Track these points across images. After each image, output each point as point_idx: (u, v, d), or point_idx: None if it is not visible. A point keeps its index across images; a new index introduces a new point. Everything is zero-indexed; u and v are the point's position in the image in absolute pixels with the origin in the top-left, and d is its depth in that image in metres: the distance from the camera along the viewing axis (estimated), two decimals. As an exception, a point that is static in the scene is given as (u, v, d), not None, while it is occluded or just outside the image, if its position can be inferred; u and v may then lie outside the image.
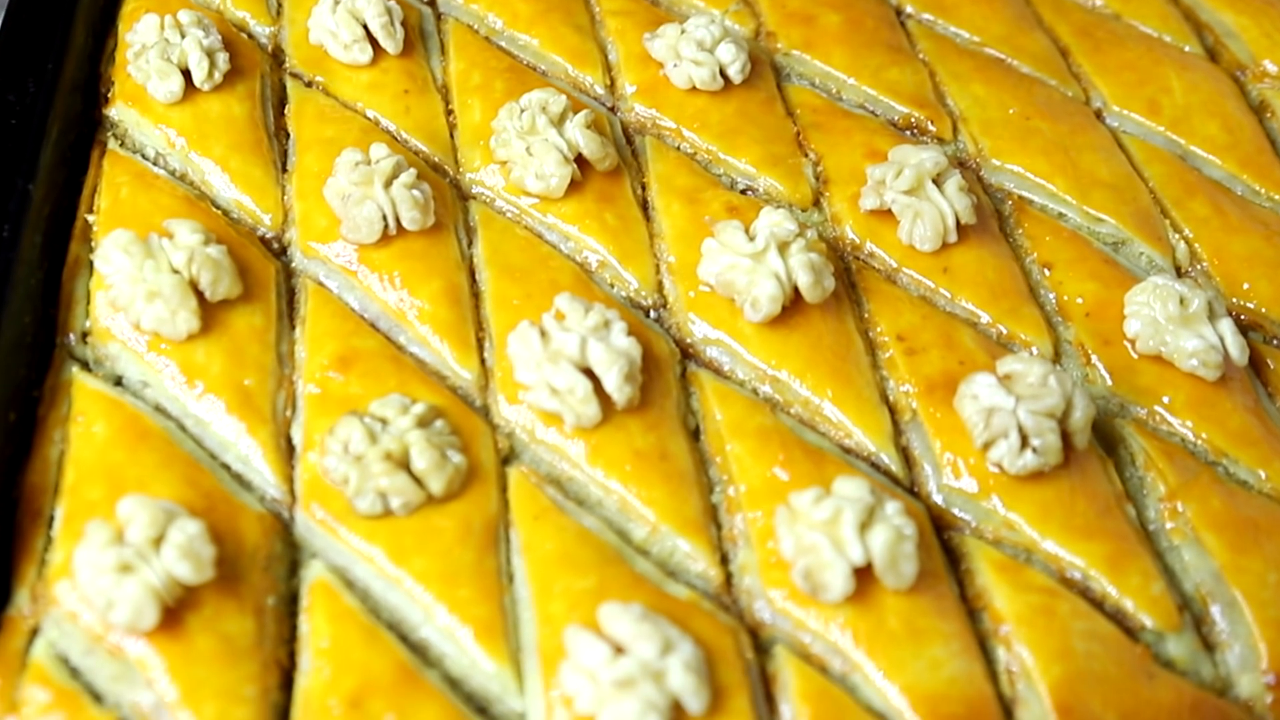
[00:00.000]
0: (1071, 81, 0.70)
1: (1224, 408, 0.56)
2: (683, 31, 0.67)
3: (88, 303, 0.57)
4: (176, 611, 0.46)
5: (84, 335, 0.56)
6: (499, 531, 0.51)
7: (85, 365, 0.55)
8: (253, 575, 0.48)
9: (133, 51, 0.64)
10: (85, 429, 0.52)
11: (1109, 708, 0.47)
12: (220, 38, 0.65)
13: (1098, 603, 0.50)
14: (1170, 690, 0.48)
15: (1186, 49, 0.72)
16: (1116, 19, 0.73)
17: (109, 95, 0.65)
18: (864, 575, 0.48)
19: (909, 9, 0.73)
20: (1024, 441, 0.52)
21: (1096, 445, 0.54)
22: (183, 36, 0.64)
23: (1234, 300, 0.61)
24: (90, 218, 0.59)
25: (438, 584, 0.48)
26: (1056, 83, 0.69)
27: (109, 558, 0.46)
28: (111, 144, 0.63)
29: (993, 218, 0.63)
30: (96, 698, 0.45)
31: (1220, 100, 0.69)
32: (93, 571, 0.46)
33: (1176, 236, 0.63)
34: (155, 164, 0.62)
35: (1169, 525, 0.52)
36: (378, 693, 0.45)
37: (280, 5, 0.69)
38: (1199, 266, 0.62)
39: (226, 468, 0.52)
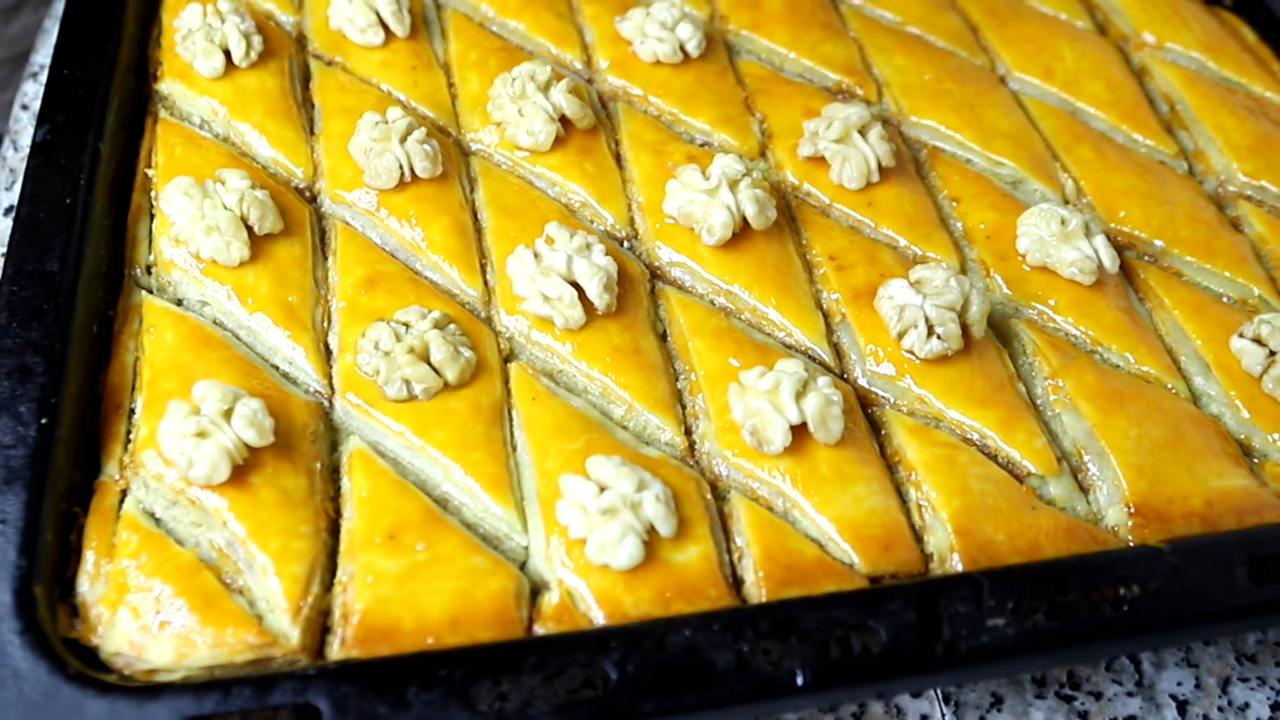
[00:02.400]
0: (980, 53, 0.82)
1: (1099, 306, 0.67)
2: (648, 14, 0.78)
3: (149, 241, 0.68)
4: (244, 469, 0.57)
5: (148, 268, 0.67)
6: (503, 412, 0.61)
7: (149, 292, 0.66)
8: (303, 445, 0.59)
9: (180, 35, 0.75)
10: (157, 337, 0.62)
11: (999, 531, 0.58)
12: (254, 23, 0.76)
13: (991, 455, 0.61)
14: (1049, 518, 0.59)
15: (1079, 24, 0.84)
16: (1020, 0, 0.85)
17: (157, 74, 0.76)
18: (800, 433, 0.59)
19: (841, -7, 0.85)
20: (930, 331, 0.63)
21: (993, 337, 0.66)
22: (223, 22, 0.75)
23: (1112, 226, 0.72)
24: (150, 172, 0.70)
25: (454, 450, 0.59)
26: (966, 54, 0.81)
27: (189, 426, 0.56)
28: (163, 113, 0.74)
29: (910, 163, 0.74)
30: (178, 541, 0.56)
31: (1106, 65, 0.81)
32: (175, 438, 0.56)
33: (1065, 176, 0.75)
34: (201, 129, 0.73)
35: (1052, 398, 0.64)
36: (410, 528, 0.56)
37: (302, -3, 0.81)
38: (1084, 200, 0.74)
39: (275, 368, 0.63)
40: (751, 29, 0.80)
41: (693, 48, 0.77)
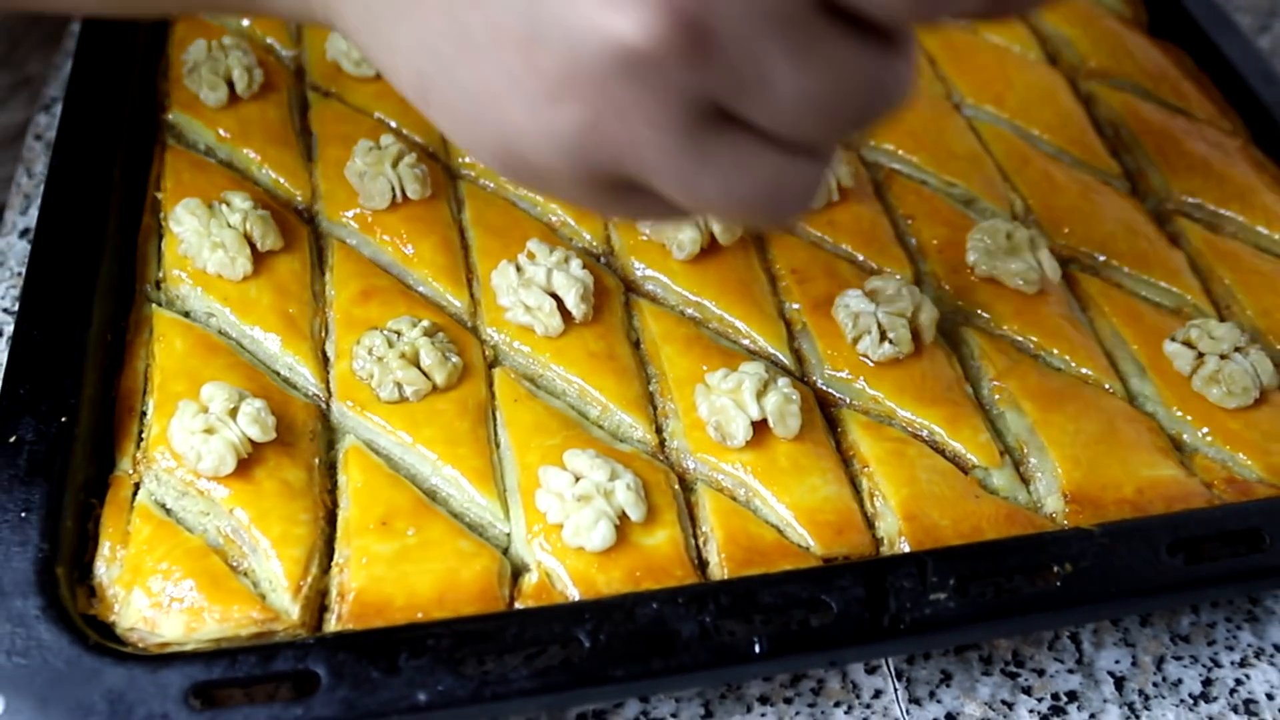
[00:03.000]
0: (937, 82, 0.87)
1: (1042, 314, 0.72)
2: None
3: (159, 259, 0.73)
4: (248, 463, 0.61)
5: (157, 283, 0.72)
6: (488, 412, 0.66)
7: (159, 305, 0.71)
8: (302, 442, 0.64)
9: (187, 68, 0.81)
10: (166, 345, 0.67)
11: (945, 516, 0.63)
12: (255, 57, 0.82)
13: (939, 449, 0.66)
14: (991, 505, 0.64)
15: (1030, 55, 0.90)
16: (974, 34, 0.91)
17: (165, 104, 0.81)
18: (760, 429, 0.64)
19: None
20: (883, 336, 0.68)
21: (943, 343, 0.71)
22: (226, 55, 0.81)
23: (1058, 242, 0.77)
24: (159, 195, 0.76)
25: (442, 446, 0.64)
26: (924, 84, 0.87)
27: (198, 423, 0.61)
28: (170, 141, 0.79)
29: (869, 184, 0.79)
30: (188, 529, 0.61)
31: (1054, 93, 0.86)
32: (185, 434, 0.61)
33: (1014, 195, 0.80)
34: (207, 155, 0.78)
35: (997, 397, 0.69)
36: (401, 515, 0.61)
37: (300, 31, 0.86)
38: (1031, 217, 0.79)
39: (277, 373, 0.68)
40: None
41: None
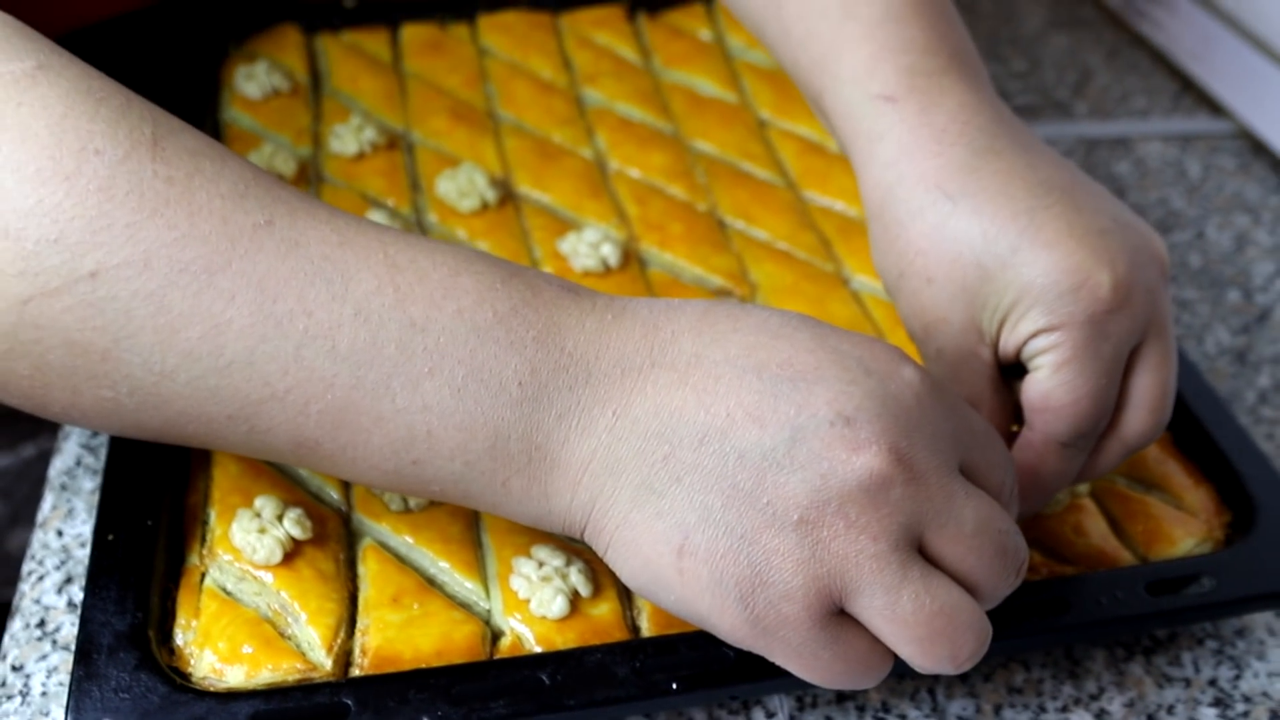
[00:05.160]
0: (830, 260, 1.09)
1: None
2: (580, 236, 1.05)
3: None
4: (291, 556, 0.79)
5: (214, 424, 0.92)
6: (473, 518, 0.86)
7: (216, 441, 0.91)
8: (331, 541, 0.83)
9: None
10: (223, 469, 0.86)
11: (821, 592, 0.82)
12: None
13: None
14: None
15: (905, 240, 1.12)
16: (863, 220, 1.13)
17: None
18: (682, 527, 0.84)
19: (727, 219, 1.12)
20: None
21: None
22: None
23: (921, 386, 0.98)
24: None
25: (438, 545, 0.83)
26: (819, 261, 1.07)
27: (253, 525, 0.80)
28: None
29: (773, 342, 1.00)
30: (244, 605, 0.79)
31: (923, 270, 1.08)
32: (243, 534, 0.80)
33: (887, 350, 1.01)
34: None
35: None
36: (407, 594, 0.79)
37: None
38: (901, 367, 1.00)
39: (310, 490, 0.87)
40: (659, 246, 1.08)
41: (613, 261, 1.04)
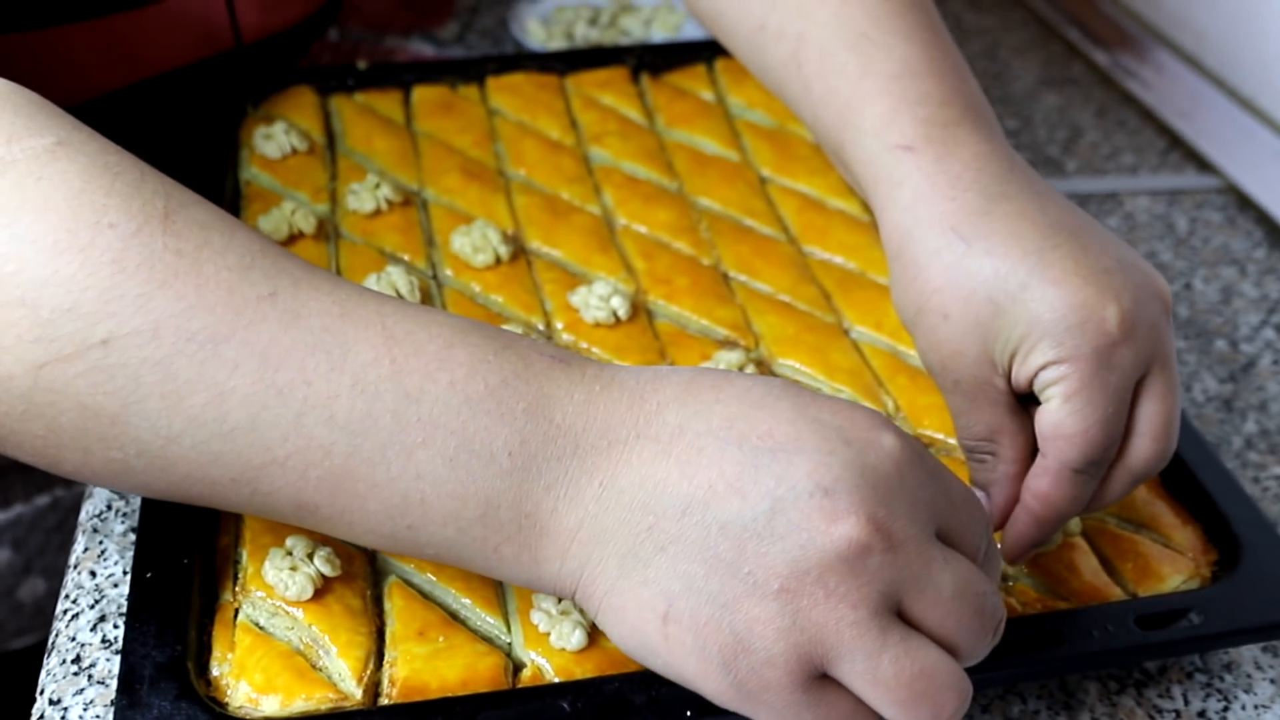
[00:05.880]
0: (830, 312, 1.13)
1: (903, 483, 0.97)
2: (590, 289, 1.10)
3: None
4: (321, 592, 0.83)
5: (243, 468, 0.96)
6: (493, 557, 0.90)
7: (245, 484, 0.95)
8: (359, 579, 0.86)
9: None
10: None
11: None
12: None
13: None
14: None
15: (903, 292, 1.17)
16: (862, 274, 1.18)
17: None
18: (694, 564, 0.88)
19: (731, 272, 1.17)
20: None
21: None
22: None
23: (919, 429, 1.03)
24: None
25: (460, 583, 0.86)
26: (820, 313, 1.12)
27: (285, 563, 0.84)
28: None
29: (778, 389, 1.05)
30: (277, 639, 0.83)
31: (920, 320, 1.13)
32: (275, 571, 0.84)
33: (886, 396, 1.05)
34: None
35: (868, 543, 0.93)
36: (432, 628, 0.82)
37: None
38: (900, 414, 1.04)
39: (336, 531, 0.91)
40: (666, 299, 1.12)
41: (623, 313, 1.09)
